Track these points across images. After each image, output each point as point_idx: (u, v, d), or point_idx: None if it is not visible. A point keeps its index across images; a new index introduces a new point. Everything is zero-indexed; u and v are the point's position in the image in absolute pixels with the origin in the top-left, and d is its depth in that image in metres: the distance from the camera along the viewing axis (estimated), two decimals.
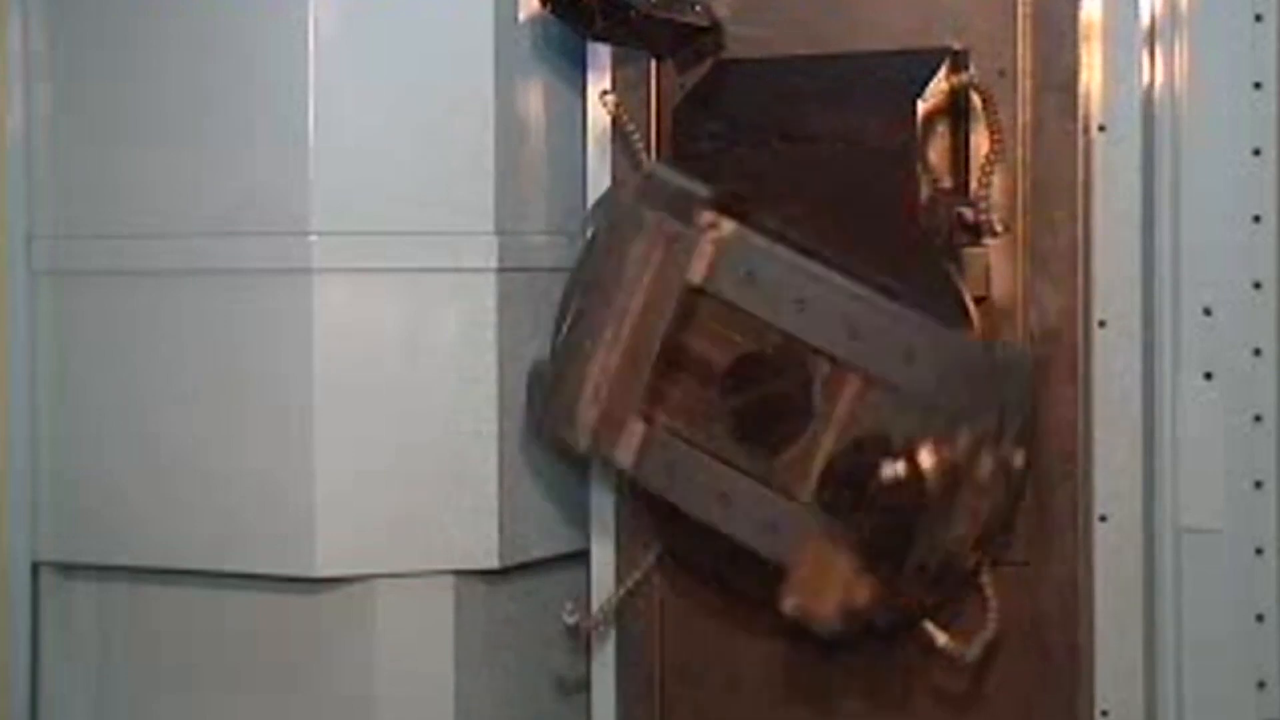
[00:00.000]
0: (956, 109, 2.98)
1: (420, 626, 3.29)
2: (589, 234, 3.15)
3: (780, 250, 2.91)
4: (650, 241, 2.98)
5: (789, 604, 2.81)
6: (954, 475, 2.74)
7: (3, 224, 3.42)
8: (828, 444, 2.87)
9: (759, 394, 2.96)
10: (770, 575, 2.85)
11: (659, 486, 3.01)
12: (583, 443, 3.05)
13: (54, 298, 3.44)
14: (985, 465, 2.76)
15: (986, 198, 2.95)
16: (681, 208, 2.97)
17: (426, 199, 3.26)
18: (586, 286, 3.06)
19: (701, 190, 2.98)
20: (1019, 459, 2.85)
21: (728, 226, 2.94)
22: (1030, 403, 2.87)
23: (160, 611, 3.41)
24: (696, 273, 2.95)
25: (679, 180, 3.00)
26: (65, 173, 3.43)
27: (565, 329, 3.09)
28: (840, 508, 2.78)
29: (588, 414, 3.02)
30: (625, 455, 3.01)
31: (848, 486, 2.78)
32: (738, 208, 2.96)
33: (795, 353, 2.91)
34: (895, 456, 2.75)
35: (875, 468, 2.75)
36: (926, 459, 2.75)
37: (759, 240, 2.92)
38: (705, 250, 2.94)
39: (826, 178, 2.97)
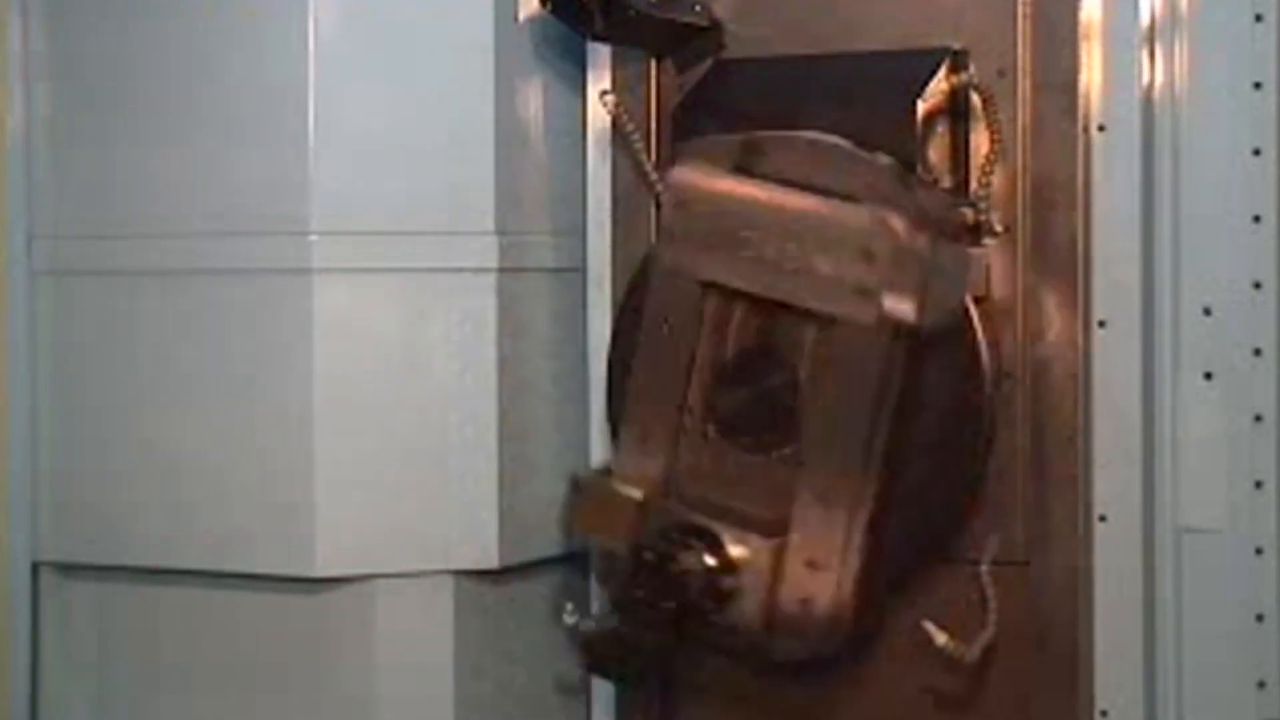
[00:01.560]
0: (956, 109, 2.98)
1: (420, 626, 3.29)
2: None
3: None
4: None
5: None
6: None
7: (3, 224, 3.42)
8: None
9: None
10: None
11: None
12: None
13: (54, 298, 3.44)
14: None
15: (986, 198, 2.95)
16: None
17: (426, 199, 3.26)
18: None
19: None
20: None
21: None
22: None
23: (160, 611, 3.41)
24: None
25: None
26: (65, 173, 3.43)
27: None
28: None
29: None
30: None
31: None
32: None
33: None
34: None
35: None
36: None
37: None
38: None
39: None
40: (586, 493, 3.04)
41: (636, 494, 2.91)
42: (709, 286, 2.89)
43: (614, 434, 3.11)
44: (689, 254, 2.89)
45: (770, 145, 2.88)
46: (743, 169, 2.87)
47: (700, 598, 2.81)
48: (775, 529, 2.82)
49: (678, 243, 2.91)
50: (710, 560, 2.82)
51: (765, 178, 2.85)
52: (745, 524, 2.84)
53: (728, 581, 2.82)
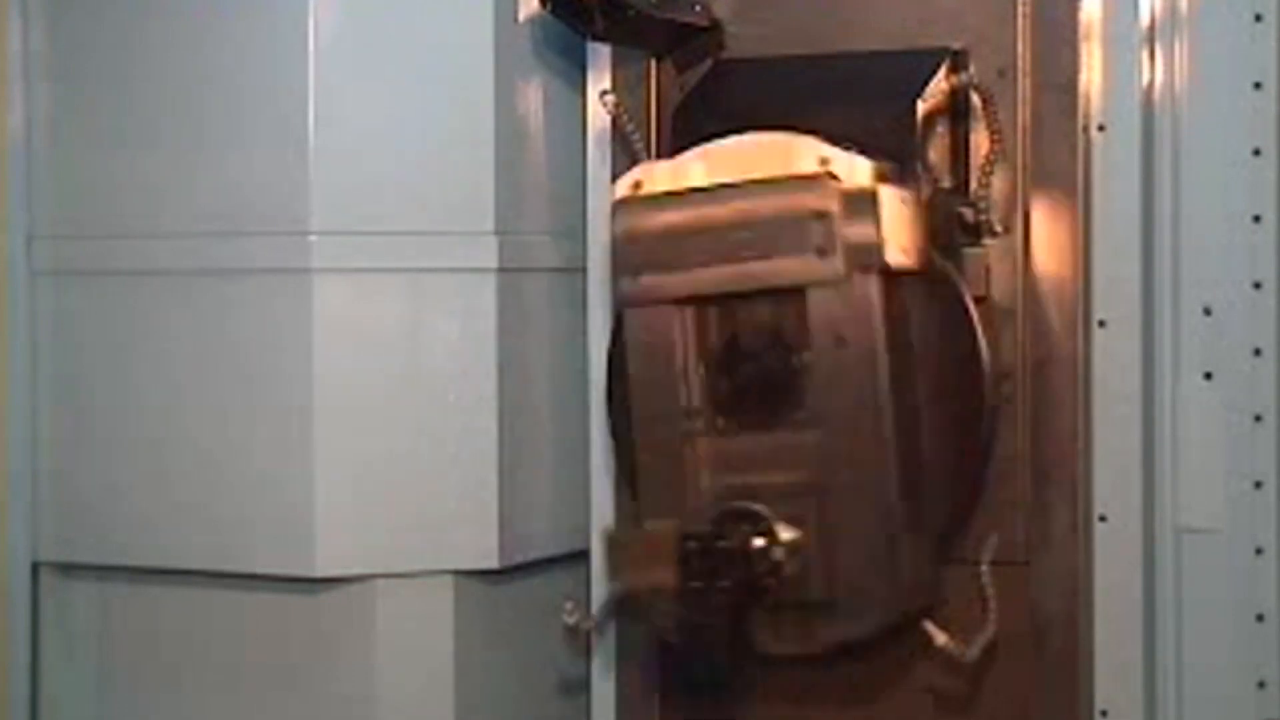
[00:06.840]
0: (956, 109, 2.98)
1: (420, 626, 3.29)
2: None
3: None
4: None
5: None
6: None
7: (3, 224, 3.42)
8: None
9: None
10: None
11: None
12: None
13: (54, 298, 3.44)
14: None
15: (986, 198, 2.95)
16: None
17: (426, 199, 3.26)
18: None
19: None
20: None
21: None
22: None
23: (160, 611, 3.41)
24: None
25: None
26: (65, 173, 3.43)
27: None
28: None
29: None
30: None
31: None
32: None
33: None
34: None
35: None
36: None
37: None
38: None
39: None
40: (621, 544, 2.96)
41: (667, 524, 2.87)
42: (680, 302, 2.90)
43: (614, 434, 3.11)
44: (653, 282, 2.90)
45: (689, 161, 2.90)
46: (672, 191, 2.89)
47: (757, 574, 2.80)
48: (808, 490, 2.82)
49: (639, 277, 2.91)
50: (757, 539, 2.81)
51: (693, 190, 2.88)
52: (780, 495, 2.83)
53: (779, 551, 2.81)
